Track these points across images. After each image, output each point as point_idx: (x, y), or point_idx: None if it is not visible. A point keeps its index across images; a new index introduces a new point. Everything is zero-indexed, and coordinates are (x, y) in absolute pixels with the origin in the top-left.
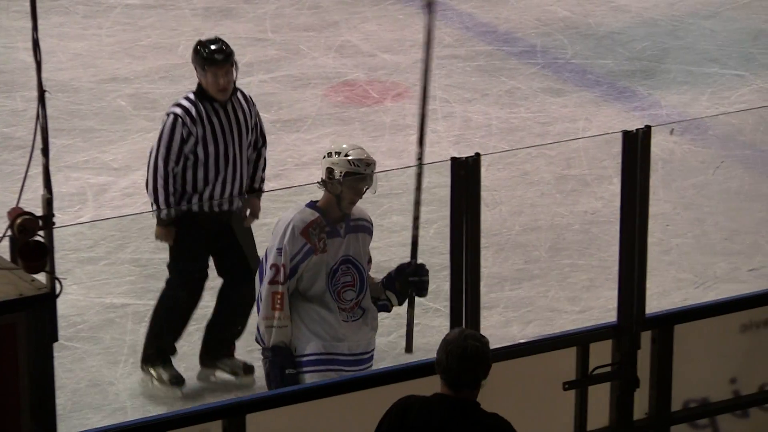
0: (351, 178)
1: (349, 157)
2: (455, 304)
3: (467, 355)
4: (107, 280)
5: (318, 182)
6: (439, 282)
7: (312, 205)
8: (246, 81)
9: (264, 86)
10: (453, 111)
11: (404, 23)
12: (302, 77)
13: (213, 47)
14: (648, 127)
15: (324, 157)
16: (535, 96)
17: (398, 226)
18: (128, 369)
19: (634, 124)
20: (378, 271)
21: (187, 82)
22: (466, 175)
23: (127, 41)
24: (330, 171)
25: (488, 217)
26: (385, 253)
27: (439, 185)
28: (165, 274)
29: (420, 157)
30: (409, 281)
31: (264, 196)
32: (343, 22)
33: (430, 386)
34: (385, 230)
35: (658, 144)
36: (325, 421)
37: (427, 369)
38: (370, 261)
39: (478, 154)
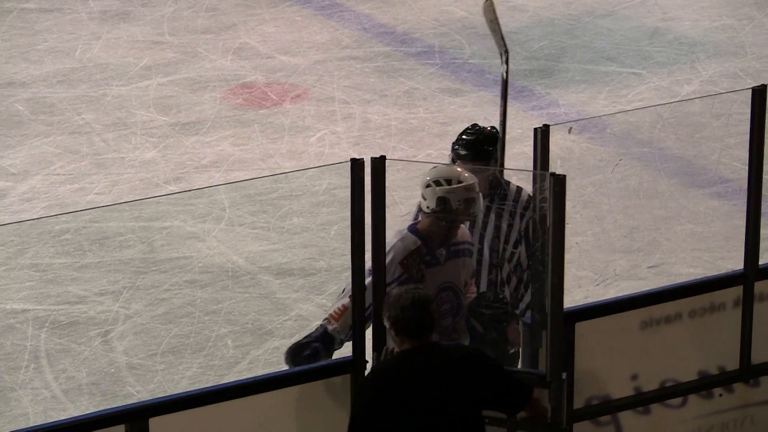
0: (466, 205)
1: (463, 184)
2: (358, 306)
3: (417, 302)
4: (7, 286)
5: (427, 211)
6: (341, 283)
7: (414, 230)
8: (144, 84)
9: (162, 89)
10: (352, 112)
11: (302, 25)
12: (201, 80)
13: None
14: (546, 126)
15: (428, 186)
16: (434, 96)
17: (299, 228)
18: (30, 375)
19: (533, 123)
20: (279, 272)
21: (84, 86)
22: (371, 176)
23: (24, 45)
24: (443, 201)
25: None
26: (286, 255)
27: (339, 186)
28: (65, 277)
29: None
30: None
31: (164, 199)
32: (241, 24)
33: (330, 387)
34: (285, 232)
35: (556, 143)
36: (228, 423)
37: (329, 371)
38: (473, 276)
39: (383, 157)
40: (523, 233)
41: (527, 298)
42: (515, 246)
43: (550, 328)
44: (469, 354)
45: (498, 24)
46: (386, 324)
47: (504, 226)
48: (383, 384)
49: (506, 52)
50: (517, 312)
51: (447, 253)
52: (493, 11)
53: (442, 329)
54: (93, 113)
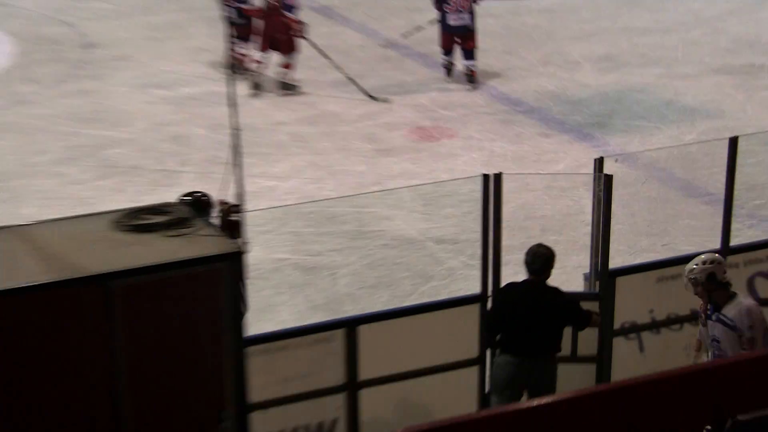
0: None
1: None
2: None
3: (530, 252)
4: (275, 244)
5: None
6: (476, 250)
7: None
8: (361, 125)
9: (369, 128)
10: (483, 146)
11: (454, 90)
12: (394, 123)
13: None
14: (601, 158)
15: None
16: (533, 138)
17: (450, 215)
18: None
19: (593, 155)
20: (437, 241)
21: (322, 125)
22: (493, 185)
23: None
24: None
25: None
26: (441, 230)
27: (474, 191)
28: (307, 239)
29: None
30: None
31: (369, 195)
32: (422, 89)
33: (464, 313)
34: (442, 217)
35: (607, 168)
36: (404, 333)
37: (464, 301)
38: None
39: (500, 173)
40: None
41: None
42: None
43: None
44: (559, 295)
45: None
46: None
47: None
48: (503, 296)
49: None
50: None
51: (715, 317)
52: None
53: None
54: (329, 142)
